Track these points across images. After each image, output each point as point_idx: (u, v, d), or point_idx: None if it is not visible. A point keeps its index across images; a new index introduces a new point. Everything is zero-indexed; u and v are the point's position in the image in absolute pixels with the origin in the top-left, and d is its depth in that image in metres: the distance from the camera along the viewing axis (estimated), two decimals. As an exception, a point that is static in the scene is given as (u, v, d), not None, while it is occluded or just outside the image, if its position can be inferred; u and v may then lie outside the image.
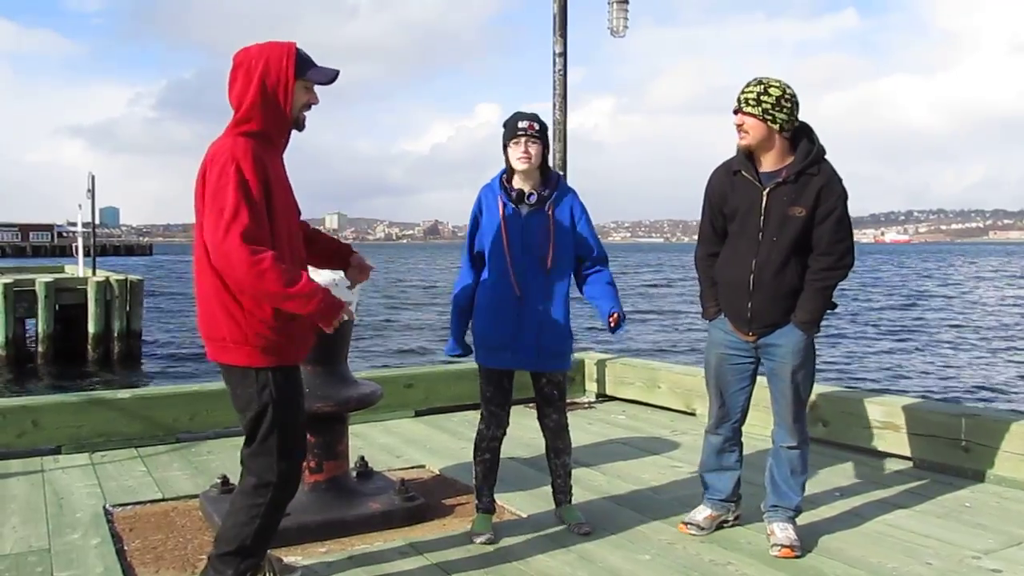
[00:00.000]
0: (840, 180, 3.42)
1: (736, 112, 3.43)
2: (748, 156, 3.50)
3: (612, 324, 3.67)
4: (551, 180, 3.71)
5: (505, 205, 3.64)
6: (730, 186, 3.53)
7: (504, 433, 3.76)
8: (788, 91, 3.38)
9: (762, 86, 3.39)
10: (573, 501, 3.91)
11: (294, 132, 2.95)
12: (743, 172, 3.49)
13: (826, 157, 3.45)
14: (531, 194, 3.64)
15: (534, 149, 3.59)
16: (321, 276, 3.58)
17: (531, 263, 3.61)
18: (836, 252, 3.42)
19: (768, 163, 3.45)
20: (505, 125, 3.68)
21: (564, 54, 6.61)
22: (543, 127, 3.65)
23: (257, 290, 2.67)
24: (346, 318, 2.85)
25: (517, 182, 3.66)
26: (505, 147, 3.65)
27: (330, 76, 2.89)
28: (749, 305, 3.49)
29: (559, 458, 3.84)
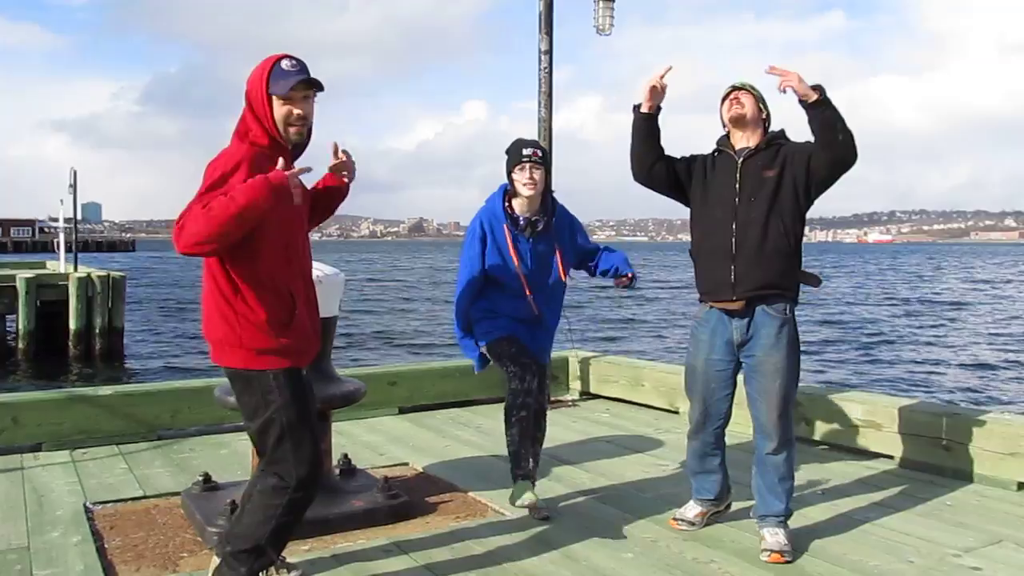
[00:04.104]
0: None
1: (734, 90, 3.61)
2: (727, 138, 3.69)
3: (623, 284, 3.98)
4: (549, 205, 3.86)
5: (512, 234, 3.79)
6: (711, 162, 3.70)
7: (538, 387, 3.77)
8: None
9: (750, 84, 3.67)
10: (564, 503, 3.94)
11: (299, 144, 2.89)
12: (721, 148, 3.71)
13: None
14: (537, 220, 3.80)
15: (538, 175, 3.74)
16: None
17: (541, 284, 3.86)
18: None
19: (744, 142, 3.64)
20: (508, 152, 3.81)
21: (550, 52, 6.60)
22: (545, 153, 3.82)
23: (203, 234, 2.55)
24: (297, 183, 2.70)
25: (518, 207, 3.80)
26: (509, 173, 3.78)
27: (287, 87, 2.74)
28: (732, 268, 3.50)
29: (534, 447, 3.87)
